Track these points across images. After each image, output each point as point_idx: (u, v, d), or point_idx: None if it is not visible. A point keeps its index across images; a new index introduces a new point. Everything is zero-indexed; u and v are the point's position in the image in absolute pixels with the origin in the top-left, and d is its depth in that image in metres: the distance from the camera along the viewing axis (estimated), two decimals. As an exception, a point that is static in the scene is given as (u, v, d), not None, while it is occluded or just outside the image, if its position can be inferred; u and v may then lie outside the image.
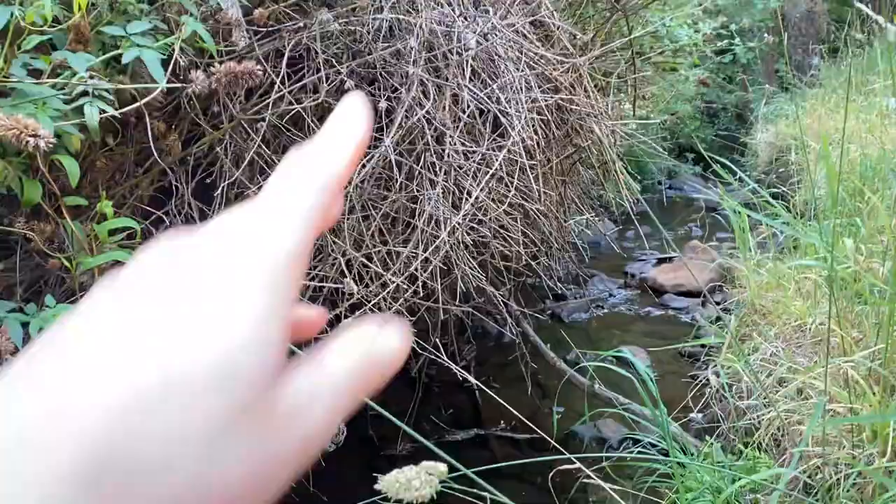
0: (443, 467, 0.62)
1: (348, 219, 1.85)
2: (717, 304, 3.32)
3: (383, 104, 1.69)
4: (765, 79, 7.01)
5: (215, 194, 1.70)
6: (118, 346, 0.22)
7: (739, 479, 1.39)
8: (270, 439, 0.23)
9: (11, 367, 0.23)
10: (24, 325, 1.37)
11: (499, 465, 1.17)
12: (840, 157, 1.35)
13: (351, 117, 0.29)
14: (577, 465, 1.38)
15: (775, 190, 3.39)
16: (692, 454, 1.98)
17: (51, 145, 1.00)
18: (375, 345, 0.27)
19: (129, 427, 0.21)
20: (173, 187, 1.77)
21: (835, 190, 1.44)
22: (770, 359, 1.95)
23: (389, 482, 0.60)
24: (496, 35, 1.94)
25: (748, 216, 2.58)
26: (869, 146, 3.38)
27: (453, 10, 1.86)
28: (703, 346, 2.80)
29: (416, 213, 2.03)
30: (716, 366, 2.19)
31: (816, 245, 2.36)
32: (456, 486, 1.05)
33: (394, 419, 1.04)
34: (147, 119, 1.36)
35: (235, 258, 0.25)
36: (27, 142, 0.96)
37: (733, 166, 2.52)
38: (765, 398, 1.68)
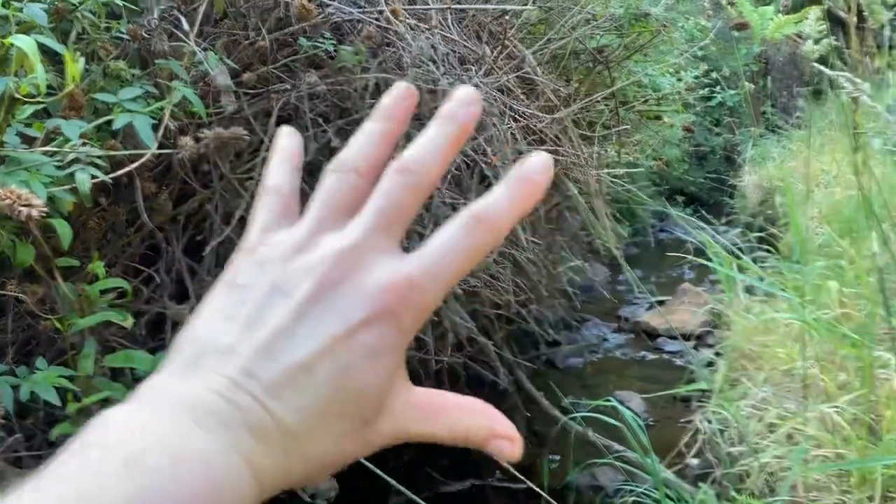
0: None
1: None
2: (710, 346, 3.33)
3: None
4: (752, 121, 7.14)
5: (205, 253, 1.73)
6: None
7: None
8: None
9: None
10: (14, 387, 1.38)
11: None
12: (806, 198, 1.38)
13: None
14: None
15: (761, 234, 3.43)
16: (686, 502, 1.97)
17: (43, 214, 1.03)
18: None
19: None
20: (164, 245, 1.80)
21: (800, 233, 1.47)
22: (760, 404, 1.96)
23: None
24: (480, 91, 1.99)
25: (736, 259, 2.61)
26: (853, 187, 3.43)
27: (438, 68, 1.92)
28: (696, 390, 2.80)
29: (406, 265, 2.05)
30: (706, 412, 2.20)
31: (802, 287, 2.38)
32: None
33: (382, 474, 1.05)
34: (137, 181, 1.39)
35: None
36: (20, 212, 0.99)
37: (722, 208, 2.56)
38: (754, 444, 1.68)
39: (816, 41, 1.16)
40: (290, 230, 0.32)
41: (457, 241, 0.30)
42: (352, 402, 0.29)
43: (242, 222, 1.81)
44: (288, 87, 1.74)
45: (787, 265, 2.70)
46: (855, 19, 0.97)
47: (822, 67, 1.01)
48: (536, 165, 0.31)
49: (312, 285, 0.29)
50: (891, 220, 1.31)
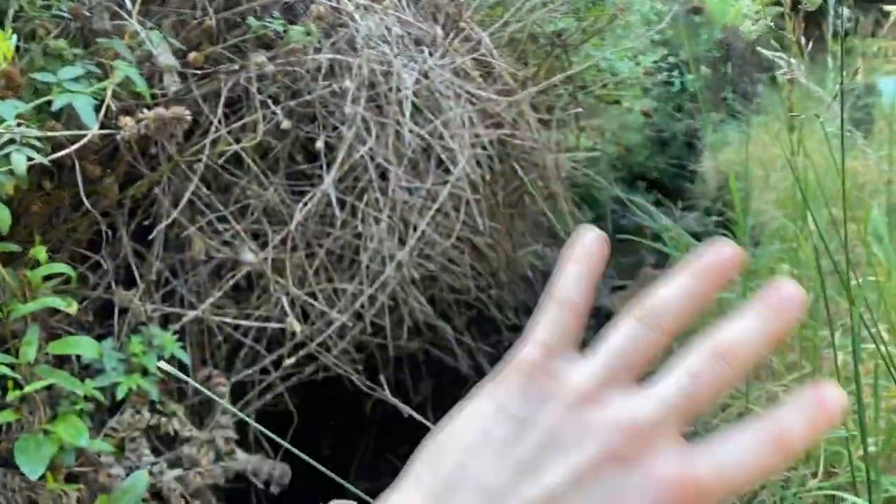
0: (351, 507, 0.62)
1: (291, 257, 1.85)
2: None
3: (321, 143, 1.71)
4: (713, 107, 7.21)
5: (153, 237, 1.69)
6: None
7: None
8: None
9: None
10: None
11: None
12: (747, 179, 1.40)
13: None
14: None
15: (720, 218, 3.47)
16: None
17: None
18: None
19: None
20: (111, 230, 1.76)
21: (742, 217, 1.48)
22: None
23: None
24: (435, 74, 1.98)
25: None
26: (808, 171, 3.49)
27: (392, 49, 1.89)
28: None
29: (361, 250, 2.04)
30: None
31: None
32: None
33: (325, 470, 1.02)
34: (77, 164, 1.35)
35: None
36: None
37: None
38: (705, 424, 1.70)
39: (754, 21, 1.17)
40: (577, 368, 0.29)
41: (756, 454, 0.27)
42: None
43: (192, 205, 1.77)
44: (237, 67, 1.71)
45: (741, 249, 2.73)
46: (790, 1, 0.98)
47: (760, 49, 1.01)
48: (828, 392, 0.29)
49: (597, 453, 0.26)
50: (824, 199, 1.33)
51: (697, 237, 2.76)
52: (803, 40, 0.88)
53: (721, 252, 0.31)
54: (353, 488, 0.81)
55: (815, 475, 1.40)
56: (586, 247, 0.33)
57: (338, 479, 0.85)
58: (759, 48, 1.02)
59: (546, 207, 2.67)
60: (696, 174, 5.90)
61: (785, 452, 0.28)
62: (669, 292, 0.30)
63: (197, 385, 0.93)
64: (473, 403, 0.29)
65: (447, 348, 2.89)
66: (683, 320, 0.30)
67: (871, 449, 1.26)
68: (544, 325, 0.30)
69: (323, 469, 0.89)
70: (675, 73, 5.61)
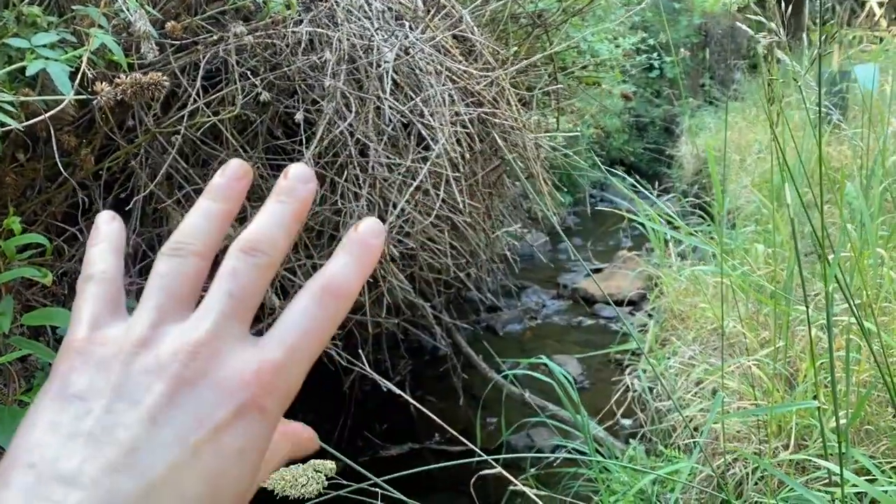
0: (330, 464, 0.62)
1: (270, 232, 1.84)
2: (646, 311, 3.41)
3: (300, 115, 1.70)
4: (691, 93, 7.25)
5: (130, 208, 1.67)
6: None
7: (651, 475, 1.43)
8: None
9: None
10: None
11: (409, 472, 1.18)
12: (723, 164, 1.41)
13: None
14: (498, 469, 1.40)
15: (697, 201, 3.51)
16: (616, 457, 2.02)
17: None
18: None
19: None
20: (88, 203, 1.74)
21: (721, 199, 1.50)
22: (688, 361, 2.01)
23: (276, 479, 0.61)
24: (416, 50, 1.97)
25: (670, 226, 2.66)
26: (784, 154, 3.53)
27: (372, 24, 1.88)
28: (629, 352, 2.87)
29: (341, 226, 2.03)
30: (636, 371, 2.25)
31: (733, 250, 2.45)
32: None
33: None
34: (53, 134, 1.33)
35: None
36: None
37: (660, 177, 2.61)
38: (680, 399, 1.73)
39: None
40: (127, 323, 0.29)
41: (311, 314, 0.29)
42: None
43: (169, 179, 1.76)
44: (216, 39, 1.69)
45: (718, 230, 2.77)
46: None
47: (739, 24, 1.02)
48: (369, 230, 0.31)
49: (165, 387, 0.26)
50: (803, 174, 1.35)
51: (673, 217, 2.78)
52: (781, 25, 0.90)
53: (229, 169, 0.33)
54: (333, 451, 0.81)
55: (786, 447, 1.43)
56: (101, 227, 0.34)
57: (321, 443, 0.86)
58: (738, 24, 1.02)
59: (525, 188, 2.67)
60: (674, 159, 5.96)
61: (342, 298, 0.30)
62: (189, 219, 0.32)
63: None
64: (35, 404, 0.27)
65: (425, 327, 2.90)
66: (212, 240, 0.31)
67: (843, 421, 1.28)
68: (84, 304, 0.30)
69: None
70: (655, 56, 5.64)
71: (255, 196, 1.93)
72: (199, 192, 1.87)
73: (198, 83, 1.64)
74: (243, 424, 0.26)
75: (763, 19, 0.91)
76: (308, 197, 0.32)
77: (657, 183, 5.05)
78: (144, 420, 0.25)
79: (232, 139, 1.76)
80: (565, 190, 3.75)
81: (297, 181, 0.32)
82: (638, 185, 2.64)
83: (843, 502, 1.07)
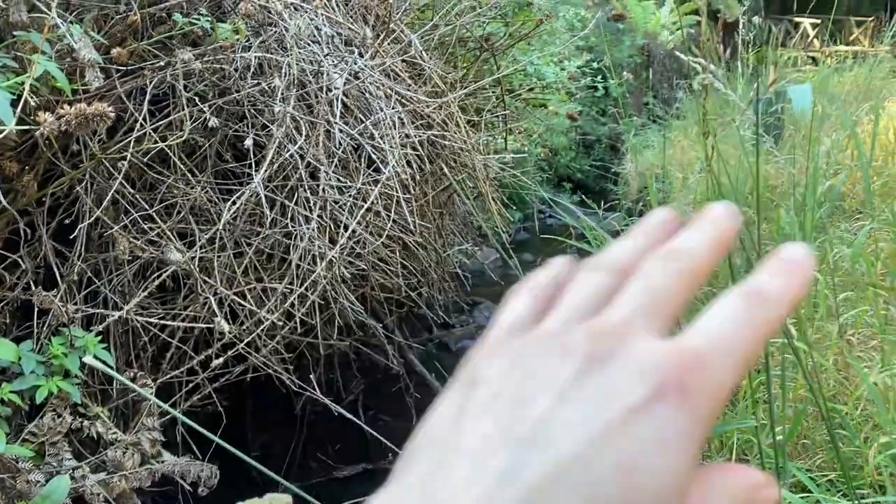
0: (287, 498, 0.63)
1: (219, 256, 1.83)
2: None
3: (249, 141, 1.70)
4: (635, 112, 7.44)
5: (75, 236, 1.65)
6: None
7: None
8: None
9: None
10: None
11: (361, 499, 1.18)
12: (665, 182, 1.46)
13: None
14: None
15: (642, 217, 3.59)
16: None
17: None
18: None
19: None
20: (30, 229, 1.70)
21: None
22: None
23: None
24: (366, 74, 1.99)
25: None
26: (722, 175, 3.65)
27: (322, 49, 1.90)
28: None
29: (291, 249, 2.03)
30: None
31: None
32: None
33: (255, 463, 1.02)
34: (-5, 160, 1.31)
35: None
36: None
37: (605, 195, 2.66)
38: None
39: (672, 31, 1.23)
40: (540, 323, 0.28)
41: (737, 307, 0.26)
42: None
43: (115, 204, 1.74)
44: (163, 64, 1.68)
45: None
46: (706, 8, 1.04)
47: (678, 53, 1.07)
48: (797, 254, 0.28)
49: (575, 365, 0.25)
50: (736, 195, 1.41)
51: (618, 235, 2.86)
52: (720, 48, 0.94)
53: (664, 217, 0.32)
54: (286, 482, 0.81)
55: (728, 462, 1.48)
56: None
57: (271, 473, 0.86)
58: (678, 53, 1.07)
59: (475, 207, 2.71)
60: (619, 176, 6.10)
61: (769, 300, 0.27)
62: (613, 249, 0.31)
63: (124, 380, 0.91)
64: (441, 395, 0.27)
65: (378, 347, 2.91)
66: (631, 266, 0.29)
67: (780, 437, 1.34)
68: (511, 307, 0.30)
69: (256, 465, 0.90)
70: (599, 77, 5.78)
71: (203, 220, 1.92)
72: (146, 217, 1.84)
73: (144, 108, 1.63)
74: (662, 409, 0.24)
75: (701, 62, 0.95)
76: (730, 230, 0.30)
77: (603, 201, 5.16)
78: (556, 396, 0.24)
79: (180, 163, 1.75)
80: (514, 207, 3.81)
81: (723, 219, 0.30)
82: (584, 203, 2.70)
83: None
